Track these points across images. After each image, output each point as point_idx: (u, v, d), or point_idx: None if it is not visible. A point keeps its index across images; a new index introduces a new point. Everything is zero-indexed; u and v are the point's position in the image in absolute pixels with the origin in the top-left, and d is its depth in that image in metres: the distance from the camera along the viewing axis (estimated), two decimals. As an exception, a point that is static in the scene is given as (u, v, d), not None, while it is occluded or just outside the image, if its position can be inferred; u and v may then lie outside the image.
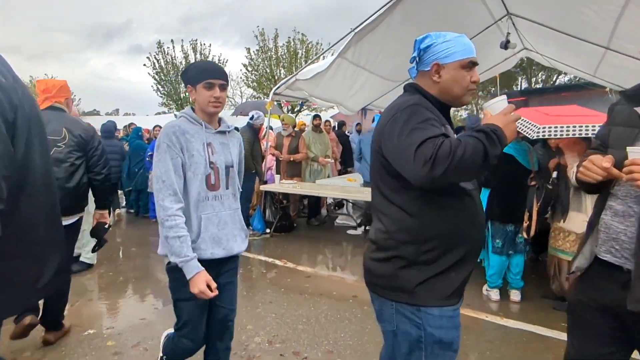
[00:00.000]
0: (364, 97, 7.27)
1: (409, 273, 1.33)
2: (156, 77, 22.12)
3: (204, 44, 22.21)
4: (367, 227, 6.08)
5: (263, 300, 3.54)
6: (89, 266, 4.33)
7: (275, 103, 7.49)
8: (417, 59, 1.43)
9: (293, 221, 6.22)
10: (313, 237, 5.84)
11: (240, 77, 21.95)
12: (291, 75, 5.84)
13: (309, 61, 19.85)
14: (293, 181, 6.15)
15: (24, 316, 2.52)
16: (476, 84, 1.39)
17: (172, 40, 22.04)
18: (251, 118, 5.79)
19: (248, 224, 5.91)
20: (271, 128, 6.68)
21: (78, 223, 2.69)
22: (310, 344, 2.80)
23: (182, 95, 22.57)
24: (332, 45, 5.37)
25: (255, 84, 20.56)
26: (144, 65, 21.98)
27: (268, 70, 20.01)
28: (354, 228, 6.26)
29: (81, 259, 4.29)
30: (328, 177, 6.85)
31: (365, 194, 5.09)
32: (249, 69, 20.49)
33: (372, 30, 5.14)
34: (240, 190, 2.04)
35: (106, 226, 2.77)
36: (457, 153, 1.12)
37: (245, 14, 72.08)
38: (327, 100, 6.92)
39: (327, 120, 8.09)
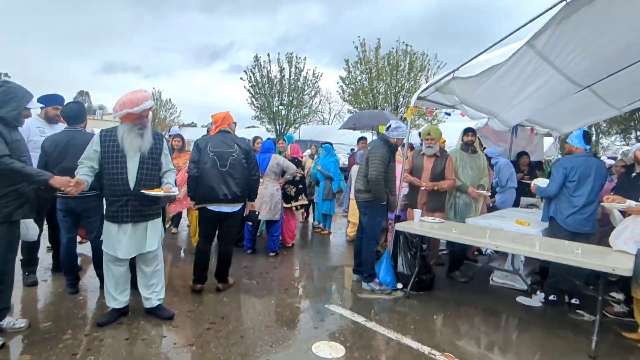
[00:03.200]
0: (530, 105, 5.30)
1: None
2: (251, 90, 22.10)
3: (299, 57, 21.69)
4: (552, 297, 4.04)
5: None
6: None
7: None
8: None
9: (434, 275, 4.43)
10: (468, 304, 3.99)
11: (337, 91, 20.93)
12: (447, 72, 4.15)
13: (413, 74, 18.22)
14: (436, 218, 4.39)
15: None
16: None
17: (268, 54, 21.87)
18: (388, 128, 4.20)
19: (373, 274, 4.27)
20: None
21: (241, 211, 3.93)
22: None
23: (274, 110, 22.25)
24: (523, 24, 3.56)
25: (351, 97, 19.30)
26: (241, 78, 22.13)
27: (366, 84, 18.63)
28: (526, 293, 4.27)
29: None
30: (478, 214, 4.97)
31: (550, 249, 3.18)
32: (346, 82, 19.32)
33: (592, 1, 3.27)
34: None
35: (256, 213, 4.37)
36: None
37: (337, 34, 73.55)
38: (481, 109, 5.09)
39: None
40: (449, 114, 5.54)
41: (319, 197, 6.87)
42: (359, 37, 18.82)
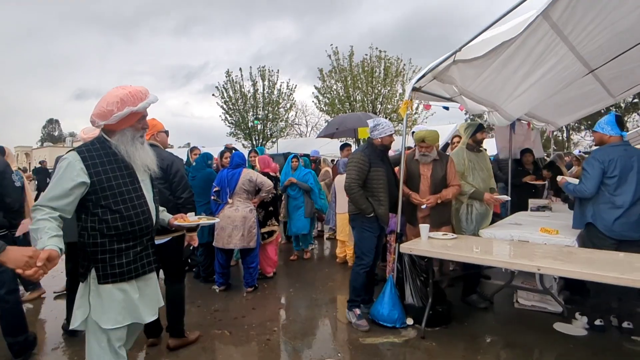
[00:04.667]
0: (535, 94, 4.61)
1: None
2: (224, 106, 21.18)
3: (272, 70, 20.97)
4: (599, 322, 3.26)
5: None
6: None
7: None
8: None
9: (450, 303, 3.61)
10: (498, 340, 3.18)
11: (312, 101, 20.23)
12: (448, 55, 3.41)
13: (389, 79, 17.72)
14: (447, 234, 3.59)
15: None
16: None
17: (240, 69, 21.10)
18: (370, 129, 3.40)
19: (356, 300, 3.45)
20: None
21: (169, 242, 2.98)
22: None
23: (249, 124, 21.36)
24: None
25: (328, 107, 18.62)
26: (213, 95, 21.20)
27: (342, 92, 18.02)
28: (563, 318, 3.49)
29: None
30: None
31: (607, 268, 2.45)
32: (322, 92, 18.65)
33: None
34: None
35: (191, 248, 3.98)
36: None
37: (310, 49, 74.04)
38: (482, 101, 4.37)
39: (456, 136, 5.49)
40: (447, 108, 4.81)
41: (294, 216, 5.85)
42: (331, 45, 18.34)
